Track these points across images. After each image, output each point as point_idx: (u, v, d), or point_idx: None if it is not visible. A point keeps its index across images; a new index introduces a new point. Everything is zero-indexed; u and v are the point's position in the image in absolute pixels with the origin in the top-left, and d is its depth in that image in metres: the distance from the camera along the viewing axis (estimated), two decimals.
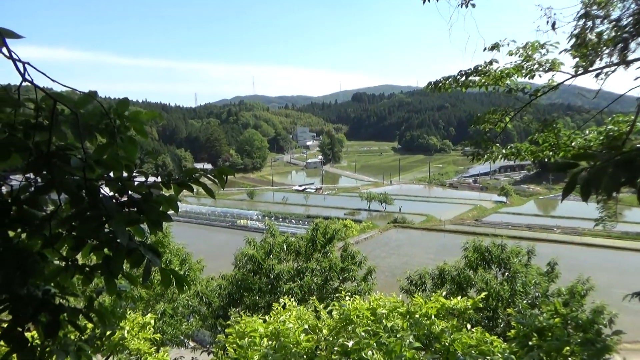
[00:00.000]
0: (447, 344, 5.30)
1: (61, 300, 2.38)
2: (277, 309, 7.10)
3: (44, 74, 2.09)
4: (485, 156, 7.72)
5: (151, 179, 2.39)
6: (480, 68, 7.61)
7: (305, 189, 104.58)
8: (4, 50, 1.96)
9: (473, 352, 5.04)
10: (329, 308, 6.85)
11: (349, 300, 6.70)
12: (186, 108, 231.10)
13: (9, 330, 2.38)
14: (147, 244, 2.24)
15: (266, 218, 56.15)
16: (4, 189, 2.33)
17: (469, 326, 5.98)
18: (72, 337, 3.28)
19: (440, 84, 8.04)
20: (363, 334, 5.35)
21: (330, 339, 6.23)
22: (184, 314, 12.73)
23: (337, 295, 7.06)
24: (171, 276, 2.32)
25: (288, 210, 75.60)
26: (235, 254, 14.56)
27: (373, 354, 4.89)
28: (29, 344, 2.38)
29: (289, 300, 7.52)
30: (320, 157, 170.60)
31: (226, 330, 6.63)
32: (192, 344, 13.62)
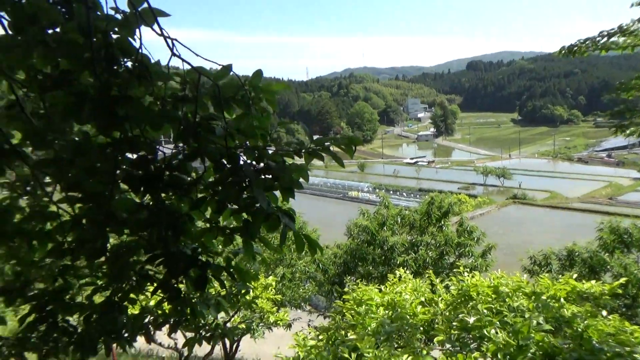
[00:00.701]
0: (580, 329, 4.89)
1: (208, 258, 2.60)
2: (392, 280, 7.13)
3: (189, 49, 2.25)
4: (631, 128, 6.84)
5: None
6: (625, 27, 6.69)
7: (416, 162, 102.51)
8: (156, 27, 2.14)
9: (610, 340, 4.60)
10: (446, 282, 6.71)
11: (468, 276, 6.48)
12: (298, 82, 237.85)
13: (164, 282, 2.69)
14: (283, 209, 2.35)
15: (377, 190, 56.28)
16: (158, 157, 2.57)
17: (604, 313, 5.45)
18: (212, 292, 3.61)
19: (576, 48, 7.24)
20: (485, 311, 5.15)
21: (447, 313, 6.11)
22: (301, 278, 13.43)
23: (455, 270, 6.87)
24: (305, 241, 2.41)
25: (399, 183, 74.86)
26: (347, 225, 14.81)
27: (496, 332, 4.69)
28: (182, 295, 2.67)
29: (404, 272, 7.51)
30: (432, 129, 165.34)
31: (343, 297, 6.83)
32: (307, 307, 14.32)
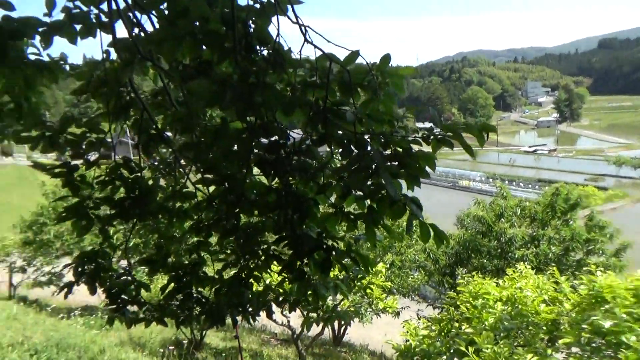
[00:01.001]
0: None
1: (332, 243, 2.65)
2: (511, 274, 6.74)
3: (321, 35, 2.27)
4: None
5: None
6: None
7: (535, 150, 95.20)
8: (290, 14, 2.19)
9: None
10: (575, 281, 6.16)
11: (601, 275, 5.87)
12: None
13: (290, 263, 2.79)
14: (410, 197, 2.29)
15: (491, 180, 53.38)
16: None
17: None
18: (331, 275, 3.70)
19: None
20: (624, 315, 4.63)
21: (575, 315, 5.61)
22: (410, 267, 13.29)
23: (584, 268, 6.27)
24: (431, 230, 2.33)
25: (515, 173, 70.14)
26: (457, 214, 14.30)
27: (638, 340, 4.21)
28: (306, 276, 2.76)
29: (525, 266, 7.05)
30: (554, 115, 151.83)
31: (458, 289, 6.61)
32: (415, 296, 14.15)
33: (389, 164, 2.32)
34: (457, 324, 6.30)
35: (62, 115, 3.07)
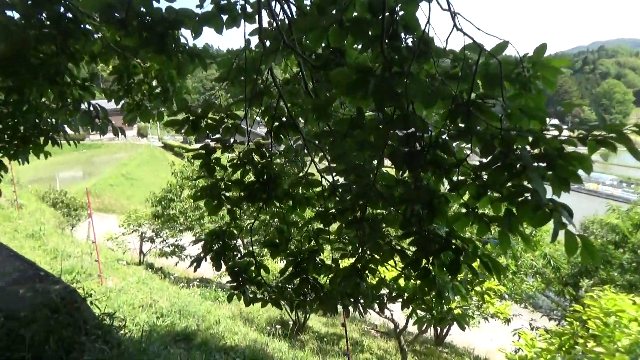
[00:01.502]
0: None
1: (462, 243, 2.50)
2: None
3: (472, 23, 2.11)
4: None
5: None
6: None
7: None
8: (441, 2, 2.06)
9: None
10: None
11: None
12: None
13: (415, 261, 2.69)
14: (558, 202, 2.06)
15: (624, 184, 47.81)
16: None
17: None
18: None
19: None
20: None
21: None
22: (526, 272, 12.38)
23: None
24: (579, 242, 2.08)
25: None
26: (582, 221, 12.99)
27: None
28: (431, 275, 2.64)
29: None
30: None
31: (585, 302, 5.99)
32: (528, 305, 13.20)
33: (536, 164, 2.11)
34: (581, 341, 5.73)
35: (204, 101, 3.26)
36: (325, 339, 10.14)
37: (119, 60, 4.24)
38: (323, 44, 2.99)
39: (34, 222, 13.09)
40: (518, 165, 2.08)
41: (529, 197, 2.11)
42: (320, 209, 3.11)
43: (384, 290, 4.13)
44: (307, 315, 10.50)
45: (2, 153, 4.36)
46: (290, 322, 10.23)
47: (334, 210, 2.98)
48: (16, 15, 3.41)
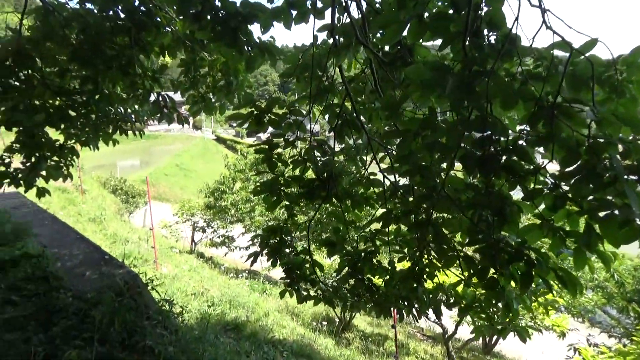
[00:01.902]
0: None
1: (536, 255, 2.35)
2: None
3: (562, 21, 1.98)
4: None
5: None
6: None
7: None
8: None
9: None
10: None
11: None
12: None
13: (482, 270, 2.57)
14: None
15: None
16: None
17: None
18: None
19: None
20: None
21: None
22: (586, 286, 11.72)
23: None
24: None
25: None
26: None
27: None
28: (499, 286, 2.51)
29: None
30: None
31: None
32: (586, 321, 12.51)
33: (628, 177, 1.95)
34: None
35: (270, 97, 3.26)
36: (370, 339, 10.05)
37: (186, 53, 4.35)
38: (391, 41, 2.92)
39: (96, 207, 13.77)
40: (606, 177, 1.94)
41: (616, 212, 1.95)
42: (382, 210, 3.03)
43: (441, 296, 4.01)
44: (353, 314, 10.45)
45: (75, 139, 4.57)
46: (337, 320, 10.21)
47: (396, 212, 2.89)
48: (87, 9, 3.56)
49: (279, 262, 3.86)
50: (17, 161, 4.15)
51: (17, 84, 3.88)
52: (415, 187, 2.99)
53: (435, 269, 3.22)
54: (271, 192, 3.52)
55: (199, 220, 16.77)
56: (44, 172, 4.27)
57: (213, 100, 4.59)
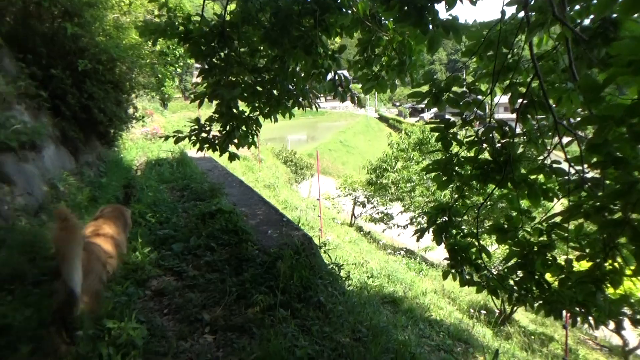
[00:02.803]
0: None
1: None
2: None
3: None
4: None
5: None
6: None
7: None
8: None
9: None
10: None
11: None
12: None
13: None
14: None
15: None
16: None
17: None
18: None
19: None
20: None
21: None
22: None
23: None
24: None
25: None
26: None
27: None
28: None
29: None
30: None
31: None
32: None
33: None
34: None
35: (450, 75, 3.23)
36: (532, 337, 9.41)
37: (364, 33, 4.52)
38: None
39: (270, 175, 15.24)
40: None
41: None
42: (570, 203, 2.81)
43: (627, 310, 3.58)
44: (515, 308, 9.87)
45: (258, 112, 5.13)
46: (496, 311, 9.77)
47: (587, 207, 2.66)
48: None
49: (444, 242, 3.85)
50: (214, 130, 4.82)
51: (218, 62, 4.49)
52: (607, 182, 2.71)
53: (623, 276, 2.89)
54: (443, 171, 3.52)
55: (359, 195, 17.38)
56: (236, 140, 4.88)
57: (385, 78, 4.71)
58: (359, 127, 55.42)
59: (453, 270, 3.83)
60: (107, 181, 7.14)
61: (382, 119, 64.08)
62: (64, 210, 3.05)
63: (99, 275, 3.20)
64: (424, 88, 3.30)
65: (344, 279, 4.24)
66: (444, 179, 3.57)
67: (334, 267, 4.11)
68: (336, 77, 4.72)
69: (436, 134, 3.48)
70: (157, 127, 14.36)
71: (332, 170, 34.89)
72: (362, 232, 15.50)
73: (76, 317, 2.93)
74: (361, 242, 11.94)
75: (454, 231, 3.86)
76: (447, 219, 3.80)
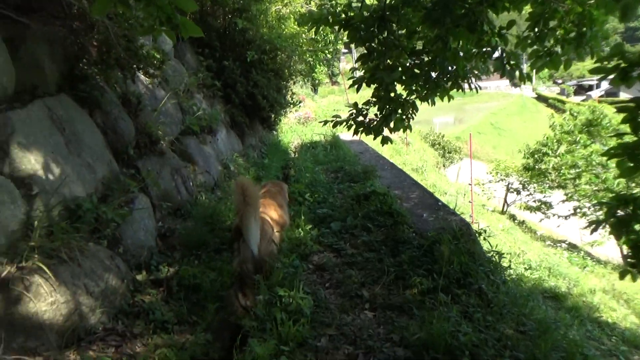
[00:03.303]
0: None
1: None
2: None
3: None
4: None
5: None
6: None
7: None
8: None
9: None
10: None
11: None
12: None
13: None
14: None
15: None
16: None
17: None
18: None
19: None
20: None
21: None
22: None
23: None
24: None
25: None
26: None
27: None
28: None
29: None
30: None
31: None
32: None
33: None
34: None
35: None
36: None
37: (534, 6, 4.16)
38: None
39: (417, 159, 15.04)
40: None
41: None
42: None
43: None
44: None
45: (415, 95, 5.06)
46: None
47: None
48: None
49: (624, 238, 3.43)
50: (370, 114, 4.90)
51: (377, 47, 4.52)
52: None
53: None
54: (631, 157, 3.11)
55: (513, 181, 16.23)
56: (391, 124, 4.90)
57: (559, 54, 4.30)
58: (513, 108, 51.29)
59: (635, 270, 3.40)
60: (269, 162, 7.78)
61: (540, 98, 58.27)
62: (244, 180, 3.45)
63: (271, 239, 3.63)
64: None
65: (505, 268, 4.03)
66: (630, 165, 3.15)
67: (495, 255, 3.93)
68: (504, 55, 4.46)
69: (622, 115, 3.09)
70: (309, 112, 15.11)
71: (482, 155, 33.10)
72: (515, 221, 14.49)
73: (253, 284, 3.29)
74: (515, 231, 11.19)
75: (637, 226, 3.42)
76: (630, 211, 3.36)
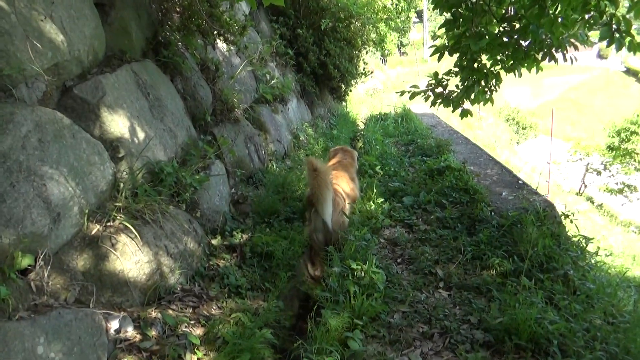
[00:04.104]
0: None
1: None
2: None
3: None
4: None
5: None
6: None
7: None
8: None
9: None
10: None
11: None
12: None
13: None
14: None
15: None
16: None
17: None
18: None
19: None
20: None
21: None
22: None
23: None
24: None
25: None
26: None
27: None
28: None
29: None
30: None
31: None
32: None
33: None
34: None
35: None
36: None
37: None
38: None
39: (490, 134, 14.35)
40: None
41: None
42: None
43: None
44: None
45: (500, 66, 4.72)
46: None
47: None
48: None
49: None
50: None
51: (464, 12, 4.23)
52: None
53: None
54: None
55: (594, 161, 15.13)
56: (472, 96, 4.63)
57: None
58: (597, 82, 47.42)
59: None
60: (338, 133, 7.70)
61: (631, 72, 53.36)
62: (314, 160, 3.46)
63: (342, 211, 3.67)
64: None
65: (592, 254, 3.76)
66: None
67: (582, 239, 3.66)
68: (613, 21, 4.00)
69: None
70: (378, 82, 14.78)
71: (558, 132, 31.09)
72: (592, 204, 13.58)
73: (323, 255, 3.29)
74: (593, 215, 10.48)
75: None
76: None
